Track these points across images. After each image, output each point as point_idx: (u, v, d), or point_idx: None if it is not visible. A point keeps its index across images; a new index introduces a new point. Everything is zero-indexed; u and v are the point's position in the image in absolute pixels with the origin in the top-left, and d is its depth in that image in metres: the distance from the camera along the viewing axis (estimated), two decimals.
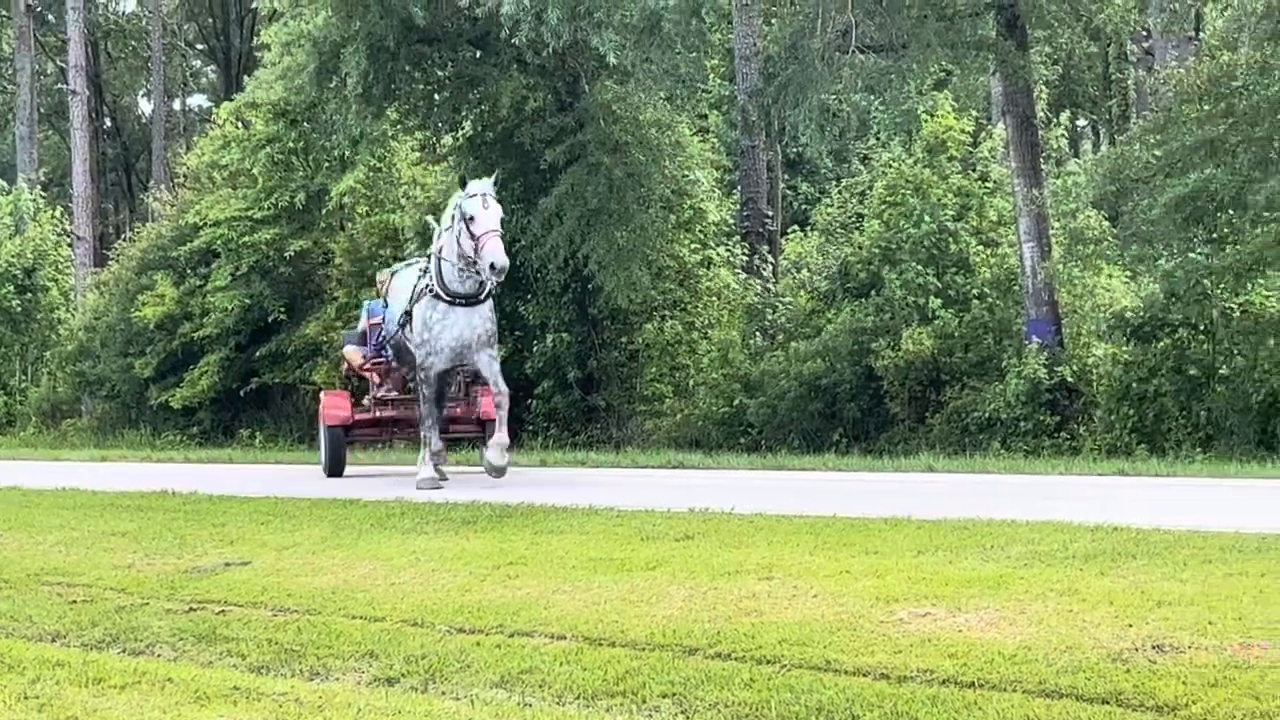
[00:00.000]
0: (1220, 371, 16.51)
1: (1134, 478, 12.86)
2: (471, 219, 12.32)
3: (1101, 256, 17.93)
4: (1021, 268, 18.36)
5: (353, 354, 15.76)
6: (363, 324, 16.01)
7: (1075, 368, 17.59)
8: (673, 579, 7.90)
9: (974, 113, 23.09)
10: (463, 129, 22.84)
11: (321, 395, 16.27)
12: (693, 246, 23.60)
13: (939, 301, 19.22)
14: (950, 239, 19.98)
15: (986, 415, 17.60)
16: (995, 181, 21.00)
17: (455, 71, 21.69)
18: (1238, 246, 15.63)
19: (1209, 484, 11.94)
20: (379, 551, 9.53)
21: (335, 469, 15.29)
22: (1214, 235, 16.26)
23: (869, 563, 7.85)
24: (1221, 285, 16.23)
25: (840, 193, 24.55)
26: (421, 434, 13.78)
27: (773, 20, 24.15)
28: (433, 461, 13.47)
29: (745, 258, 23.73)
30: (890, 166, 21.50)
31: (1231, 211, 15.72)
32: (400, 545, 9.66)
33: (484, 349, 13.04)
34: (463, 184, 12.92)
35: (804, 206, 28.44)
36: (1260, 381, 15.77)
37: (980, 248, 20.23)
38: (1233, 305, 16.63)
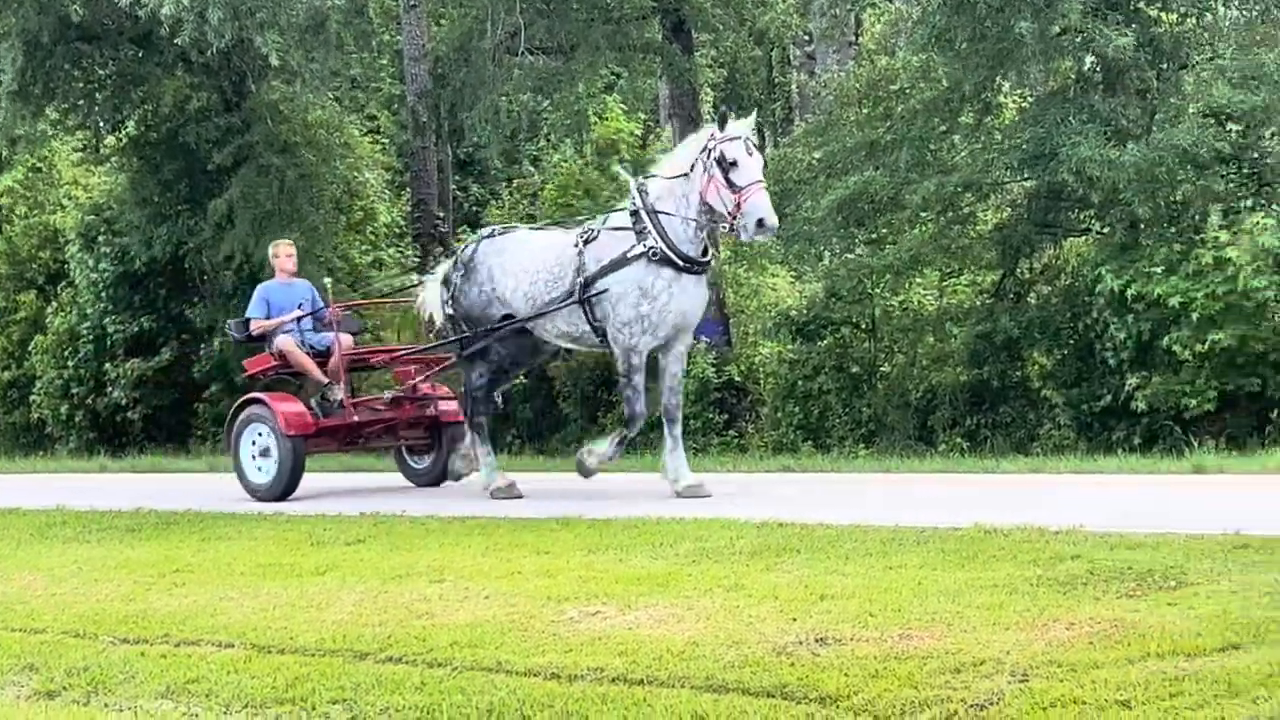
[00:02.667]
0: (881, 369, 17.25)
1: (799, 474, 13.28)
2: (734, 165, 10.63)
3: (766, 256, 18.51)
4: None
5: (288, 342, 12.62)
6: (275, 312, 12.93)
7: (743, 367, 18.11)
8: (343, 584, 7.93)
9: (643, 115, 23.51)
10: (126, 129, 22.12)
11: (267, 399, 12.59)
12: (363, 248, 23.33)
13: None
14: None
15: (656, 414, 17.89)
16: None
17: (117, 70, 20.96)
18: (896, 246, 16.36)
19: (870, 479, 12.45)
20: (39, 562, 9.38)
21: (291, 488, 12.41)
22: (874, 235, 17.01)
23: (540, 563, 7.94)
24: (881, 284, 16.94)
25: (511, 194, 24.65)
26: (630, 435, 11.62)
27: (441, 21, 24.05)
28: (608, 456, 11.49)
29: (417, 259, 23.61)
30: (561, 168, 21.68)
31: (890, 212, 16.46)
32: (62, 555, 9.54)
33: (689, 331, 11.58)
34: (722, 122, 10.94)
35: (475, 208, 28.43)
36: (919, 378, 16.55)
37: None
38: (893, 303, 17.41)
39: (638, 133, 21.73)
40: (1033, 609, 6.07)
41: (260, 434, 12.42)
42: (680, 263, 10.85)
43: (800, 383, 17.21)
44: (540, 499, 11.08)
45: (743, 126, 10.83)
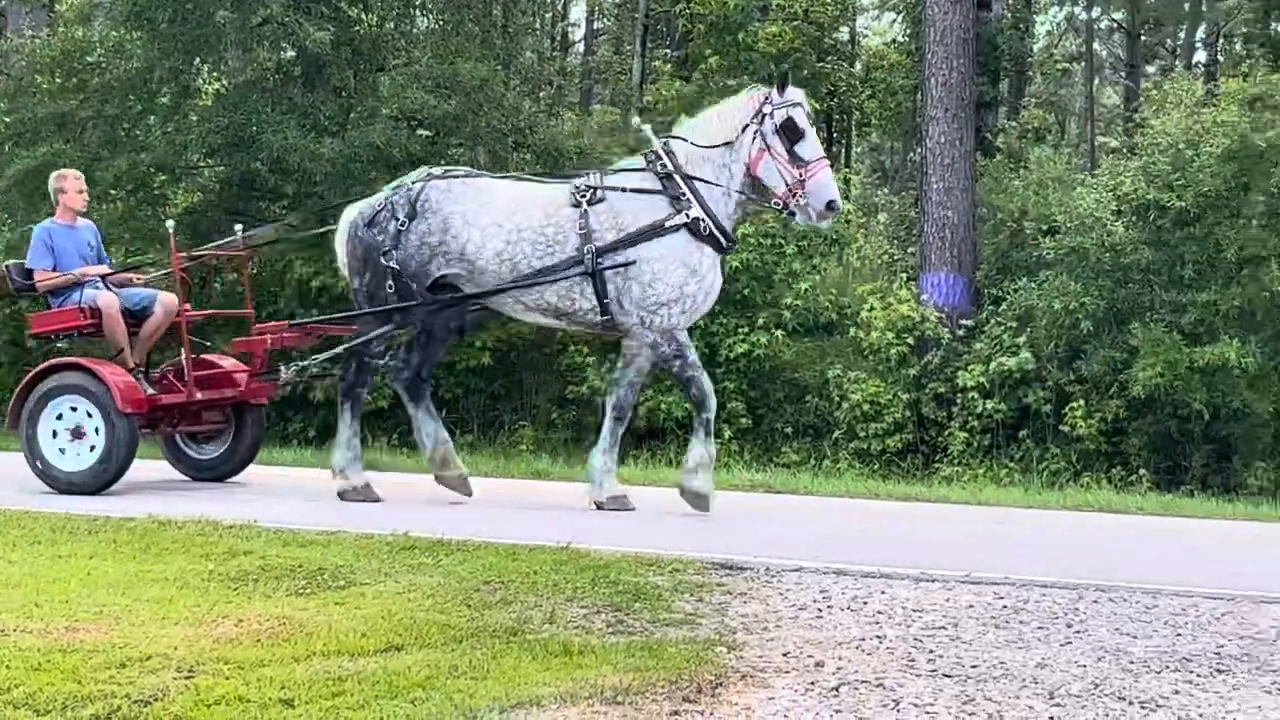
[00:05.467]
0: None
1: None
2: (803, 135, 9.42)
3: None
4: None
5: (112, 302, 10.33)
6: (62, 262, 10.56)
7: None
8: None
9: None
10: None
11: (92, 366, 10.11)
12: None
13: None
14: None
15: None
16: None
17: None
18: None
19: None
20: None
21: (118, 477, 10.11)
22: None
23: None
24: None
25: None
26: (614, 430, 9.81)
27: None
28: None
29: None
30: None
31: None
32: None
33: None
34: (783, 82, 9.60)
35: None
36: None
37: None
38: None
39: None
40: (203, 604, 6.20)
41: (74, 409, 10.02)
42: (724, 241, 9.69)
43: None
44: None
45: (800, 93, 9.77)
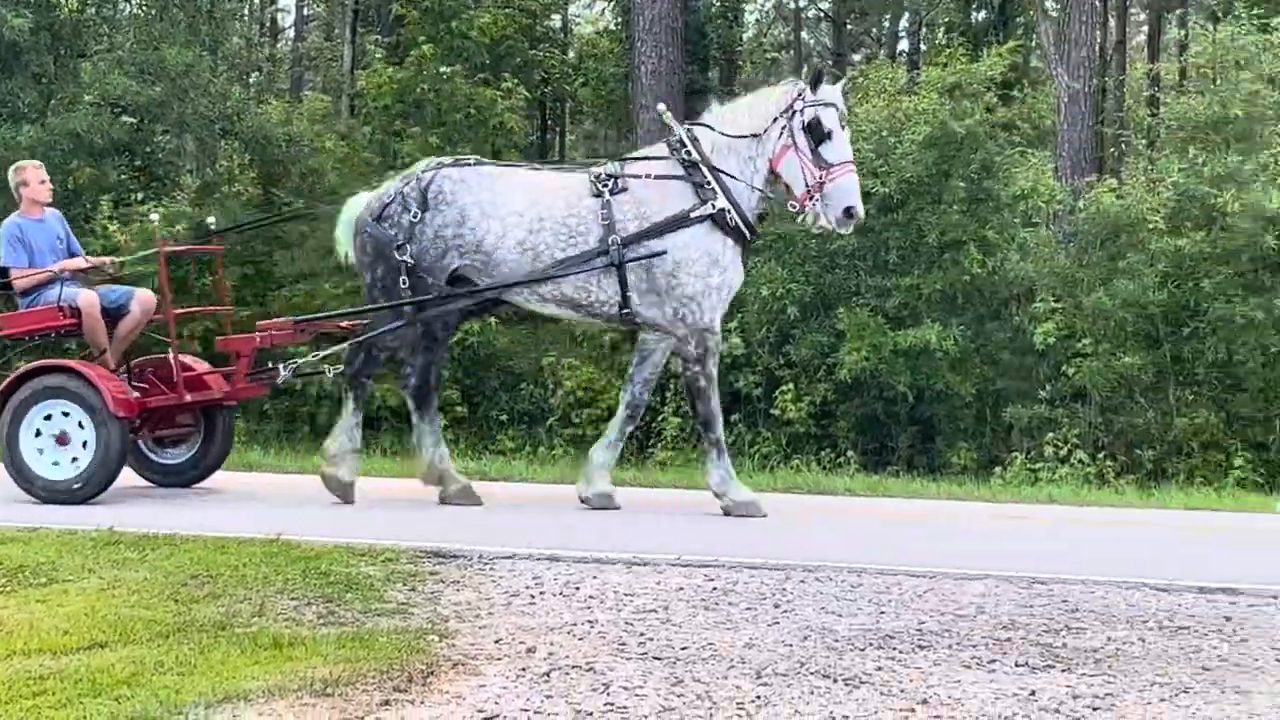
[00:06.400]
0: None
1: None
2: (829, 136, 9.11)
3: None
4: None
5: (93, 301, 9.73)
6: (37, 258, 9.95)
7: None
8: None
9: None
10: None
11: (80, 369, 9.49)
12: None
13: None
14: None
15: None
16: None
17: None
18: None
19: None
20: None
21: (109, 485, 9.45)
22: None
23: None
24: None
25: None
26: (622, 428, 9.65)
27: None
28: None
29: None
30: None
31: None
32: None
33: None
34: (816, 80, 9.30)
35: None
36: None
37: None
38: None
39: None
40: None
41: (65, 413, 9.40)
42: (748, 235, 9.36)
43: None
44: None
45: (836, 92, 9.43)
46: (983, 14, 24.30)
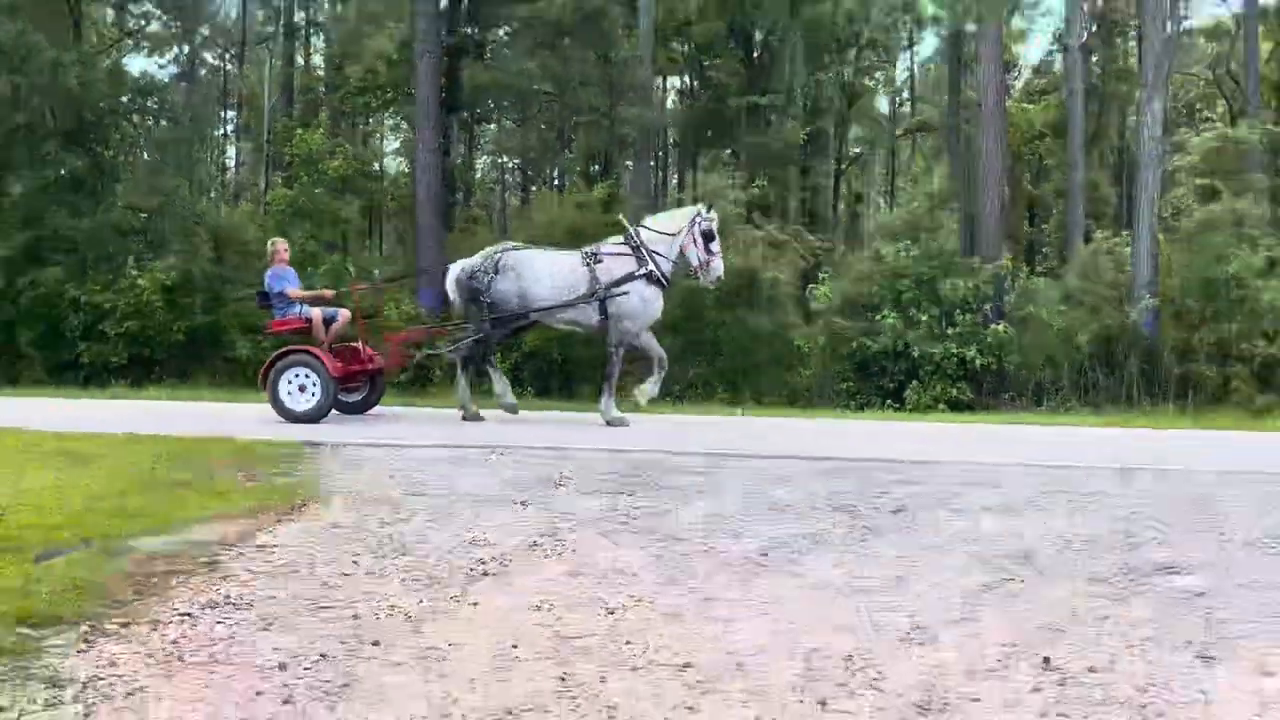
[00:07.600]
0: None
1: None
2: (712, 238, 15.01)
3: None
4: None
5: (318, 314, 15.81)
6: (290, 288, 16.12)
7: None
8: None
9: None
10: None
11: (314, 350, 15.46)
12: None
13: None
14: None
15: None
16: None
17: None
18: None
19: None
20: None
21: (326, 414, 15.32)
22: None
23: None
24: None
25: None
26: (611, 384, 15.16)
27: None
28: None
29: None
30: None
31: None
32: None
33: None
34: (709, 207, 15.37)
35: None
36: None
37: None
38: None
39: None
40: None
41: (306, 374, 15.14)
42: (665, 284, 15.02)
43: None
44: None
45: (715, 214, 15.26)
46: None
